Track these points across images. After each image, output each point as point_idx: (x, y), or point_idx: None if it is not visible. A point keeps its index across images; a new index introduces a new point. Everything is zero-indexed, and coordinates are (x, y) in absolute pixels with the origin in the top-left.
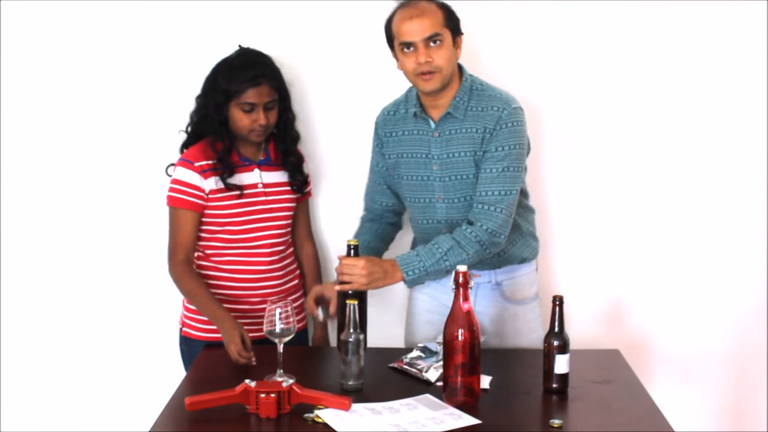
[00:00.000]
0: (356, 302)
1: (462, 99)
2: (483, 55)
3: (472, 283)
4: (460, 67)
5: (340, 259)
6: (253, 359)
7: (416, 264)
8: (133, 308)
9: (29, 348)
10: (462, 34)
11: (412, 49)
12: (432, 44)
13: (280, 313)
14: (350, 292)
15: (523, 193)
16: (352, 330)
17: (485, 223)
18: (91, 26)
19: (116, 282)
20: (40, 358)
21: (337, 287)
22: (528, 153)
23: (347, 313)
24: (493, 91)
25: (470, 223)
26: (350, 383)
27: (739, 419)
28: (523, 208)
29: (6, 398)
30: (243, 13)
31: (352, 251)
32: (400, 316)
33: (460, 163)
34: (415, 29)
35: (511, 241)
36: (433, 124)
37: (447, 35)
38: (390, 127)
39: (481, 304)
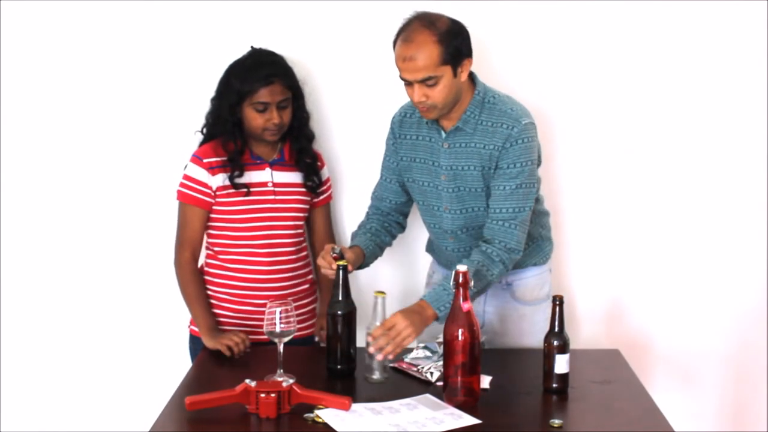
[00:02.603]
0: (384, 295)
1: (473, 113)
2: (494, 59)
3: (472, 283)
4: (473, 78)
5: (374, 332)
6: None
7: (446, 299)
8: (139, 307)
9: (31, 347)
10: (469, 56)
11: (409, 83)
12: (427, 85)
13: (281, 314)
14: (338, 313)
15: (536, 200)
16: (379, 323)
17: (503, 240)
18: (107, 28)
19: (125, 281)
20: (42, 358)
21: (381, 356)
22: (539, 165)
23: (374, 306)
24: (505, 105)
25: (486, 241)
26: (375, 377)
27: (739, 419)
28: (535, 214)
29: (6, 398)
30: (257, 13)
31: (341, 272)
32: None
33: (468, 176)
34: (409, 70)
35: None
36: (443, 134)
37: (444, 72)
38: (405, 129)
39: (491, 304)
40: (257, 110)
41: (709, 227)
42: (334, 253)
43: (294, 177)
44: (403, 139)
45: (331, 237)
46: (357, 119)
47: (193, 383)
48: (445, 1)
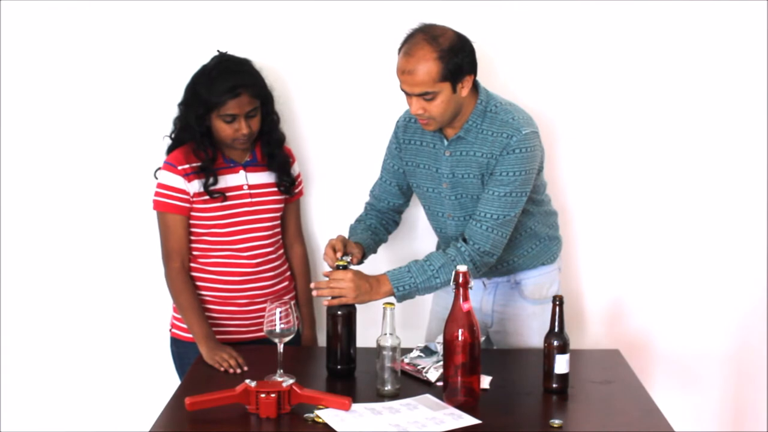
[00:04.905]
0: (393, 306)
1: (475, 122)
2: (496, 62)
3: (472, 283)
4: (476, 86)
5: (327, 274)
6: (244, 367)
7: (407, 280)
8: (141, 307)
9: (28, 349)
10: (471, 73)
11: (408, 94)
12: (425, 99)
13: (280, 313)
14: (338, 313)
15: (538, 201)
16: (389, 334)
17: (477, 242)
18: (79, 28)
19: (111, 284)
20: (43, 358)
21: (325, 303)
22: (540, 170)
23: (383, 317)
24: (507, 114)
25: (464, 240)
26: (387, 389)
27: (739, 419)
28: (542, 215)
29: (6, 398)
30: (226, 15)
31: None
32: (401, 317)
33: (469, 184)
34: (407, 83)
35: (527, 250)
36: (446, 142)
37: (442, 88)
38: (410, 134)
39: (500, 303)
40: (225, 121)
41: (709, 227)
42: (341, 260)
43: (268, 177)
44: (408, 144)
45: (301, 233)
46: (328, 120)
47: (193, 383)
48: (433, 3)
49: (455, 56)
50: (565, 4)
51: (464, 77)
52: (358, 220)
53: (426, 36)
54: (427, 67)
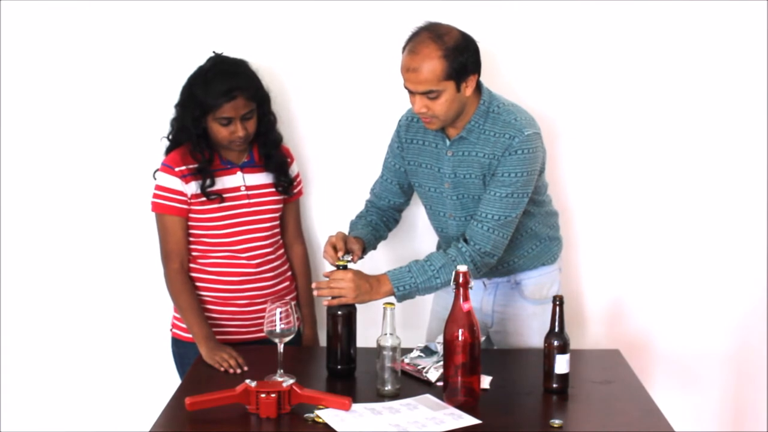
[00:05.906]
0: (393, 306)
1: (477, 122)
2: (499, 61)
3: (472, 284)
4: (479, 86)
5: (327, 274)
6: (244, 367)
7: (407, 280)
8: (141, 307)
9: (28, 350)
10: (475, 72)
11: (411, 92)
12: (429, 97)
13: (281, 313)
14: (339, 313)
15: (539, 202)
16: (389, 334)
17: (479, 243)
18: (76, 29)
19: (111, 285)
20: (40, 360)
21: (326, 303)
22: (542, 171)
23: (383, 317)
24: (509, 115)
25: (465, 240)
26: (387, 389)
27: (739, 419)
28: (543, 215)
29: (6, 399)
30: (222, 15)
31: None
32: (401, 317)
33: (471, 184)
34: (411, 81)
35: (527, 250)
36: (448, 142)
37: (447, 87)
38: (412, 133)
39: (500, 303)
40: (222, 124)
41: (709, 228)
42: (341, 260)
43: (266, 178)
44: (410, 143)
45: (301, 233)
46: (325, 117)
47: (193, 383)
48: (431, 3)
49: (460, 55)
50: (567, 5)
51: (468, 76)
52: (358, 216)
53: (431, 34)
54: (432, 65)
